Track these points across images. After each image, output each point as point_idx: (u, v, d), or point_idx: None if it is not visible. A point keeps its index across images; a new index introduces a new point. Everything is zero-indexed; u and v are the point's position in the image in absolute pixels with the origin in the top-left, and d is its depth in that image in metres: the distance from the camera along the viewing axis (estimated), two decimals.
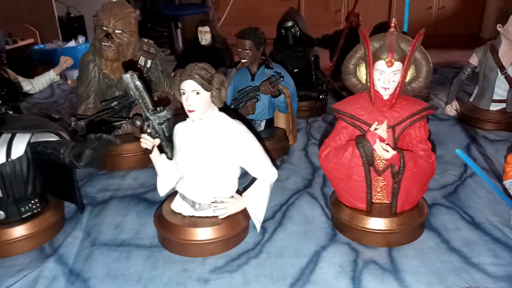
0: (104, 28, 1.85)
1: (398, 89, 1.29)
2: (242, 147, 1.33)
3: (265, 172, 1.39)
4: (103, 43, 1.86)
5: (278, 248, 1.35)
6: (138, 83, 1.28)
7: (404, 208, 1.36)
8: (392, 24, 1.30)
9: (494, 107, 2.24)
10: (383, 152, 1.26)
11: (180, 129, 1.39)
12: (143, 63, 1.99)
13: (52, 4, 4.27)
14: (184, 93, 1.26)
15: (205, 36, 2.56)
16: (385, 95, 1.31)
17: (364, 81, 1.35)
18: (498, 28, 2.14)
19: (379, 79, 1.28)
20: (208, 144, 1.32)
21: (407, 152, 1.29)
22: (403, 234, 1.35)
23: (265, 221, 1.48)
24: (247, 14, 4.81)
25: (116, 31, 1.85)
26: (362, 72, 1.35)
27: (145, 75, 2.01)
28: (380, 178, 1.37)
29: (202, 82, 1.24)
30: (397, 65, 1.25)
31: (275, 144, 2.05)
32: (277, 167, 1.44)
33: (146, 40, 2.04)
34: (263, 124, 2.04)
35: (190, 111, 1.27)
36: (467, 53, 2.38)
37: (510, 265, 1.24)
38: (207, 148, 1.32)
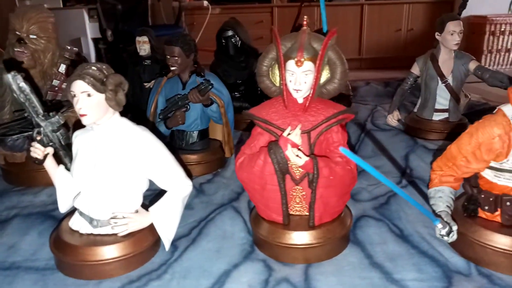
0: (17, 32, 1.71)
1: (312, 91, 1.20)
2: (148, 156, 1.21)
3: (177, 184, 1.26)
4: (15, 49, 1.72)
5: (185, 268, 1.22)
6: (23, 84, 1.16)
7: (323, 220, 1.25)
8: (305, 22, 1.22)
9: (437, 116, 2.19)
10: (296, 158, 1.16)
11: (78, 136, 1.25)
12: (64, 71, 1.85)
13: None
14: (74, 96, 1.13)
15: (143, 47, 2.43)
16: (298, 97, 1.21)
17: (278, 84, 1.26)
18: (437, 37, 2.11)
19: (290, 80, 1.19)
20: (107, 153, 1.19)
21: (322, 158, 1.19)
22: (322, 248, 1.23)
23: (178, 238, 1.35)
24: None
25: (30, 36, 1.72)
26: (275, 73, 1.26)
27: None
28: (299, 187, 1.26)
29: (93, 82, 1.11)
30: (308, 65, 1.16)
31: (209, 156, 1.94)
32: (192, 178, 1.31)
33: (69, 47, 1.91)
34: (195, 135, 1.93)
35: (81, 116, 1.14)
36: None
37: (434, 280, 1.14)
38: (105, 157, 1.19)
